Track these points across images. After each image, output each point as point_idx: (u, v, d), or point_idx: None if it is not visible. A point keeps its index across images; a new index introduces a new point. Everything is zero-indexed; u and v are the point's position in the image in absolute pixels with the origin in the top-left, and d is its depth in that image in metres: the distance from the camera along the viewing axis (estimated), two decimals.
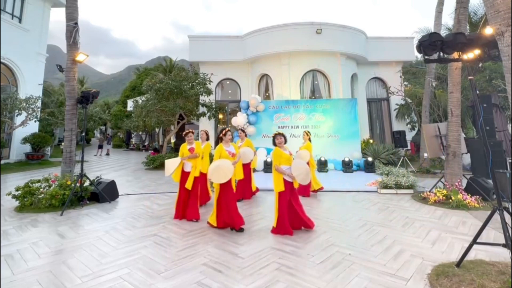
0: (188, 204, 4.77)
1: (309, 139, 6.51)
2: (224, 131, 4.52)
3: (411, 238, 3.87)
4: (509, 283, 2.58)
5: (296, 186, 4.15)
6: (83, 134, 6.93)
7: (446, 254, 3.32)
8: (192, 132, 5.00)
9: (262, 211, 5.06)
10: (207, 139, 5.77)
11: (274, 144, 4.25)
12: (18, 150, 13.47)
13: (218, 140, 4.63)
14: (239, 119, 11.29)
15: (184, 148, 4.96)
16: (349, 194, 6.60)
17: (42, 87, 15.11)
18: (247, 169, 5.91)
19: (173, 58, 27.00)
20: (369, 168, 9.76)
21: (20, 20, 14.01)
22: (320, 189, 6.58)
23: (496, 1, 3.03)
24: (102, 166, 13.65)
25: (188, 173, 4.85)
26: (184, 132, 5.00)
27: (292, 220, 4.13)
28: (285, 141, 4.29)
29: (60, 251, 3.55)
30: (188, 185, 4.72)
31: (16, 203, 5.65)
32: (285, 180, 4.07)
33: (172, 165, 4.85)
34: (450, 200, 5.39)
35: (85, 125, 6.44)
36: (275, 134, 4.30)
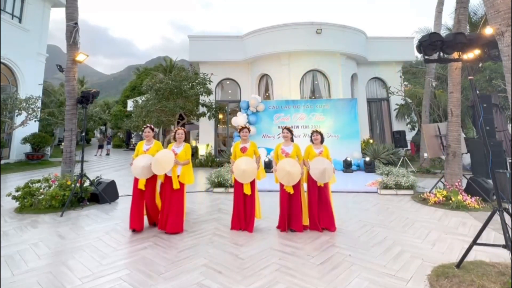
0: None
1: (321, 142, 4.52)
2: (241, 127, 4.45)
3: (411, 239, 3.87)
4: (509, 284, 2.58)
5: (320, 183, 4.15)
6: (83, 134, 6.92)
7: (446, 255, 3.32)
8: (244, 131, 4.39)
9: (262, 212, 5.05)
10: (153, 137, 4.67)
11: (311, 140, 4.36)
12: (18, 150, 13.47)
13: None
14: (239, 119, 11.29)
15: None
16: (349, 195, 6.59)
17: (42, 87, 15.11)
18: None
19: (173, 57, 27.04)
20: (369, 168, 9.76)
21: (20, 20, 14.01)
22: None
23: (496, 1, 3.03)
24: (102, 166, 13.66)
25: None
26: (241, 127, 4.43)
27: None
28: (322, 140, 4.35)
29: (60, 252, 3.55)
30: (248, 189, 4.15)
31: (16, 204, 5.64)
32: (310, 176, 4.18)
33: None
34: (450, 201, 5.39)
35: (85, 125, 6.44)
36: (313, 131, 4.39)
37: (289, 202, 4.18)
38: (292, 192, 4.11)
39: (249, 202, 4.25)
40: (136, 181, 4.32)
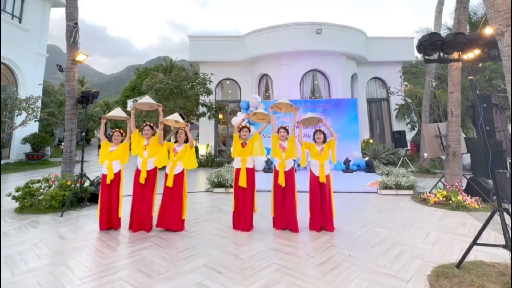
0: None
1: None
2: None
3: (411, 239, 3.87)
4: (509, 284, 2.58)
5: (322, 180, 4.18)
6: (83, 134, 6.92)
7: (446, 255, 3.31)
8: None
9: (262, 212, 5.05)
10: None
11: (314, 139, 4.44)
12: (18, 150, 13.48)
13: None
14: (239, 119, 11.28)
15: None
16: (349, 195, 6.59)
17: (42, 87, 15.11)
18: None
19: (171, 57, 27.09)
20: (369, 168, 9.76)
21: (20, 20, 14.02)
22: None
23: (496, 1, 3.03)
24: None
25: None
26: (241, 127, 4.47)
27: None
28: (325, 140, 4.40)
29: (60, 252, 3.55)
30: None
31: (16, 204, 5.64)
32: (312, 173, 4.25)
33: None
34: (450, 201, 5.39)
35: (85, 125, 6.44)
36: (316, 130, 4.47)
37: (282, 200, 4.23)
38: (283, 185, 4.18)
39: (248, 199, 4.27)
40: (136, 178, 4.31)
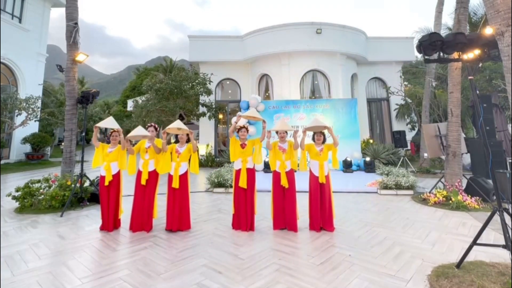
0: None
1: None
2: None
3: (411, 239, 3.87)
4: (509, 284, 2.58)
5: (321, 180, 4.18)
6: (83, 134, 6.91)
7: (446, 255, 3.32)
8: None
9: (262, 212, 5.05)
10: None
11: (313, 139, 4.46)
12: (18, 150, 13.48)
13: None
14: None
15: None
16: (349, 195, 6.59)
17: (42, 87, 15.11)
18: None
19: (171, 56, 27.14)
20: (369, 168, 9.76)
21: (20, 20, 14.02)
22: None
23: (496, 1, 3.03)
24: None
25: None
26: (239, 127, 4.39)
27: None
28: (324, 141, 4.43)
29: (60, 252, 3.55)
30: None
31: (16, 204, 5.64)
32: (311, 173, 4.28)
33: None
34: (450, 201, 5.39)
35: (85, 125, 6.44)
36: (316, 132, 4.47)
37: (283, 200, 4.24)
38: (287, 186, 4.18)
39: (249, 199, 4.27)
40: (138, 179, 4.32)
